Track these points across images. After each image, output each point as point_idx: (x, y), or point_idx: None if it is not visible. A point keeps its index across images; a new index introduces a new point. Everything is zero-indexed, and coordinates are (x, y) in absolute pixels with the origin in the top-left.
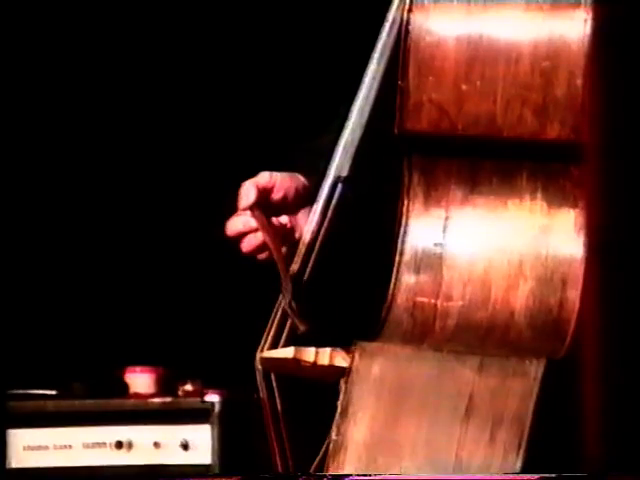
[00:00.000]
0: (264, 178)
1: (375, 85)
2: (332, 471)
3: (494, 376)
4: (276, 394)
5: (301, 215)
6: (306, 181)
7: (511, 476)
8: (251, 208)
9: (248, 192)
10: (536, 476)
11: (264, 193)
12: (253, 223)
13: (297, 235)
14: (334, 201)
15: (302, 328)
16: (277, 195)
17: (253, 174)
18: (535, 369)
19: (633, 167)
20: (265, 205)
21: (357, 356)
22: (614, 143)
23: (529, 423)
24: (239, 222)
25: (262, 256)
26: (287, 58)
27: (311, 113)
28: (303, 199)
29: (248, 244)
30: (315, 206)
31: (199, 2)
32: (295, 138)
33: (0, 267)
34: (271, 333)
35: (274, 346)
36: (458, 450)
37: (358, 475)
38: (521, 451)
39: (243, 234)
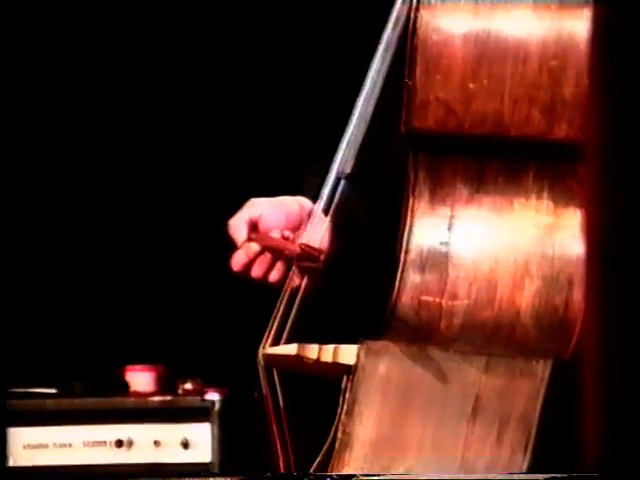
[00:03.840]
0: (249, 212)
1: (379, 82)
2: (338, 470)
3: (501, 376)
4: (278, 391)
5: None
6: (307, 204)
7: (521, 476)
8: (248, 240)
9: (239, 229)
10: (547, 476)
11: (254, 223)
12: (254, 248)
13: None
14: (337, 198)
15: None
16: (267, 223)
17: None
18: (542, 369)
19: (635, 166)
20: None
21: (363, 355)
22: (616, 142)
23: (536, 423)
24: (241, 254)
25: (274, 277)
26: (292, 62)
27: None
28: (299, 223)
29: (258, 268)
30: (317, 203)
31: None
32: (307, 157)
33: (0, 266)
34: (273, 329)
35: (276, 342)
36: (464, 450)
37: (363, 475)
38: (528, 451)
39: (250, 263)
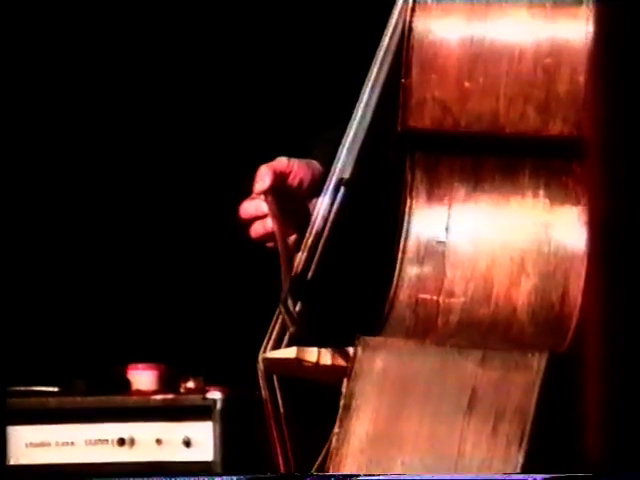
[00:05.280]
0: (281, 163)
1: (378, 87)
2: (334, 465)
3: (497, 369)
4: (278, 395)
5: (315, 202)
6: (321, 168)
7: (519, 476)
8: (265, 193)
9: (264, 176)
10: (545, 476)
11: (280, 178)
12: (265, 208)
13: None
14: (336, 203)
15: (292, 329)
16: (293, 181)
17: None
18: (538, 362)
19: (636, 162)
20: (280, 190)
21: (360, 350)
22: (616, 139)
23: (531, 416)
24: (251, 206)
25: (270, 244)
26: (301, 51)
27: (324, 103)
28: (318, 187)
29: (256, 231)
30: (317, 207)
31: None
32: (311, 128)
33: (1, 265)
34: (274, 333)
35: (277, 346)
36: (461, 443)
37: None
38: (523, 444)
39: (254, 219)
